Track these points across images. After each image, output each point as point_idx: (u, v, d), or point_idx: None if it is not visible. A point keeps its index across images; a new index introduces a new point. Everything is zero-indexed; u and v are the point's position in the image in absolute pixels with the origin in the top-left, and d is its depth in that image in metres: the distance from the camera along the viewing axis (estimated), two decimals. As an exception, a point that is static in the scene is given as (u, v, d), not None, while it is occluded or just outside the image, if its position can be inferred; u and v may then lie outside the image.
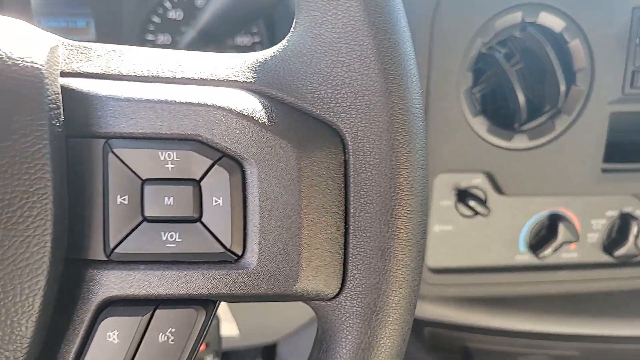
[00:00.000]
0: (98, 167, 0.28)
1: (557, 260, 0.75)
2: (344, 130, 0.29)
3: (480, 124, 0.65)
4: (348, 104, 0.29)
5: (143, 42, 0.79)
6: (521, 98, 0.60)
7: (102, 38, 0.78)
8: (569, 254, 0.75)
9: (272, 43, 0.82)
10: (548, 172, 0.68)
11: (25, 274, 0.26)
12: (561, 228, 0.70)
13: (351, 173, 0.29)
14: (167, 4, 0.79)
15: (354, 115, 0.29)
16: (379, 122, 0.29)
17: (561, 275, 0.75)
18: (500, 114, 0.67)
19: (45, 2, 0.76)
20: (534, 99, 0.66)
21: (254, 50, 0.82)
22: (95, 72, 0.30)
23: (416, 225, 0.29)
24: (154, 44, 0.79)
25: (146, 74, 0.30)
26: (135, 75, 0.30)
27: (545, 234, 0.74)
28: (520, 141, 0.66)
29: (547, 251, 0.71)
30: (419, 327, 0.79)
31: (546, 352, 0.78)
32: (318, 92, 0.30)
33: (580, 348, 0.78)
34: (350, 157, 0.29)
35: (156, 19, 0.79)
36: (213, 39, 0.58)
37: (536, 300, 0.79)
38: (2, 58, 0.26)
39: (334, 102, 0.30)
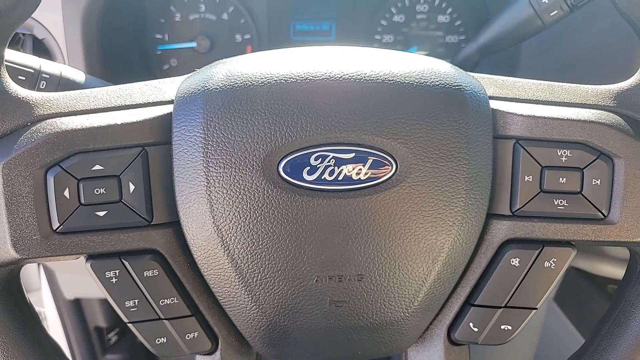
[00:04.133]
0: (508, 157, 0.44)
1: None
2: None
3: None
4: None
5: (372, 42, 0.97)
6: None
7: (340, 38, 0.97)
8: None
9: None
10: None
11: (477, 220, 0.43)
12: None
13: None
14: (393, 10, 0.96)
15: None
16: None
17: None
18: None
19: (303, 10, 0.96)
20: None
21: (461, 47, 0.97)
22: (497, 96, 0.46)
23: None
24: (380, 43, 0.97)
25: (534, 98, 0.46)
26: (526, 99, 0.46)
27: None
28: None
29: None
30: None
31: None
32: None
33: None
34: None
35: (383, 22, 0.96)
36: (487, 52, 0.73)
37: None
38: (466, 90, 0.43)
39: None
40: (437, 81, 0.44)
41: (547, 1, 0.64)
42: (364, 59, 0.45)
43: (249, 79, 0.42)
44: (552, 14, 0.64)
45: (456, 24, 0.97)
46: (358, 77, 0.42)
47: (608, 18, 0.79)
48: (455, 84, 0.44)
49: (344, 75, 0.42)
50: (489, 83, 0.47)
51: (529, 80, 0.48)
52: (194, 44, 0.95)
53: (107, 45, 0.84)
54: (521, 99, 0.46)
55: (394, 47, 0.97)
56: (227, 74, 0.43)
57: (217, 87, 0.42)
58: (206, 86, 0.43)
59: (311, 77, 0.42)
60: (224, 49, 0.97)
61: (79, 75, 0.59)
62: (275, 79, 0.42)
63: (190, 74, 0.46)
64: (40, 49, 0.79)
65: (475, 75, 0.48)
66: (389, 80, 0.43)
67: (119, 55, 0.88)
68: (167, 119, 0.43)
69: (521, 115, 0.44)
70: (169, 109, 0.44)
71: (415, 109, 0.42)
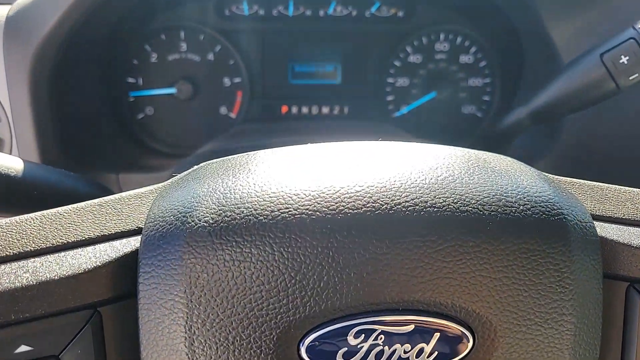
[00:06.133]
0: (619, 305, 0.31)
1: None
2: None
3: None
4: None
5: (384, 85, 0.83)
6: None
7: (346, 81, 0.83)
8: None
9: (503, 85, 0.83)
10: None
11: None
12: None
13: None
14: (409, 49, 0.82)
15: None
16: None
17: None
18: None
19: (303, 47, 0.82)
20: None
21: (486, 91, 0.84)
22: (600, 215, 0.33)
23: None
24: (393, 87, 0.83)
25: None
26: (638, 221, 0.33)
27: None
28: None
29: None
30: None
31: None
32: None
33: None
34: None
35: (397, 63, 0.83)
36: (540, 119, 0.60)
37: None
38: (568, 218, 0.30)
39: None
40: (529, 206, 0.30)
41: (626, 62, 0.50)
42: (421, 168, 0.31)
43: (254, 207, 0.28)
44: (631, 77, 0.51)
45: (481, 65, 0.83)
46: (416, 203, 0.29)
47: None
48: (553, 209, 0.30)
49: (395, 200, 0.29)
50: (583, 193, 0.35)
51: (636, 190, 0.35)
52: (173, 90, 0.80)
53: (65, 94, 0.69)
54: (631, 219, 0.33)
55: (409, 91, 0.84)
56: (221, 196, 0.29)
57: (208, 218, 0.28)
58: (190, 216, 0.29)
59: (346, 206, 0.28)
60: (209, 95, 0.82)
61: (15, 164, 0.44)
62: (293, 208, 0.28)
63: (167, 185, 0.33)
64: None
65: (561, 180, 0.35)
66: (461, 210, 0.29)
67: (80, 105, 0.73)
68: (131, 259, 0.29)
69: (638, 248, 0.31)
70: (134, 243, 0.30)
71: (502, 254, 0.28)
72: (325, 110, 0.83)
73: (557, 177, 0.36)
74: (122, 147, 0.80)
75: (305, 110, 0.83)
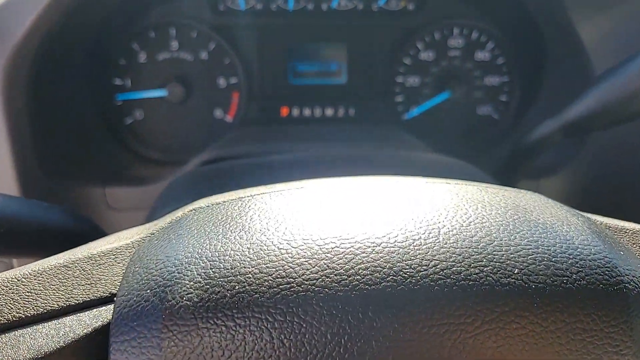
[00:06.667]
0: None
1: None
2: None
3: None
4: None
5: (392, 85, 0.77)
6: None
7: (352, 80, 0.76)
8: None
9: (522, 84, 0.77)
10: None
11: None
12: None
13: None
14: (420, 45, 0.76)
15: None
16: None
17: None
18: None
19: (305, 45, 0.76)
20: None
21: (503, 91, 0.78)
22: None
23: None
24: (402, 87, 0.77)
25: None
26: None
27: None
28: None
29: None
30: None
31: None
32: None
33: None
34: None
35: (407, 61, 0.76)
36: (573, 133, 0.54)
37: None
38: (629, 287, 0.24)
39: None
40: (583, 274, 0.24)
41: None
42: (450, 225, 0.25)
43: (249, 281, 0.23)
44: None
45: (498, 62, 0.77)
46: (446, 274, 0.23)
47: None
48: (612, 275, 0.25)
49: (420, 271, 0.23)
50: (638, 243, 0.29)
51: None
52: (164, 92, 0.74)
53: (45, 99, 0.63)
54: None
55: (420, 91, 0.77)
56: (208, 265, 0.24)
57: (191, 295, 0.23)
58: (170, 291, 0.23)
59: (361, 280, 0.23)
60: (203, 97, 0.76)
61: None
62: (296, 283, 0.23)
63: (145, 240, 0.28)
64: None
65: (610, 226, 0.29)
66: (502, 282, 0.23)
67: (62, 110, 0.67)
68: (101, 335, 0.24)
69: None
70: (105, 315, 0.25)
71: (551, 338, 0.23)
72: (329, 112, 0.77)
73: (604, 221, 0.30)
74: (110, 155, 0.74)
75: (307, 112, 0.77)
